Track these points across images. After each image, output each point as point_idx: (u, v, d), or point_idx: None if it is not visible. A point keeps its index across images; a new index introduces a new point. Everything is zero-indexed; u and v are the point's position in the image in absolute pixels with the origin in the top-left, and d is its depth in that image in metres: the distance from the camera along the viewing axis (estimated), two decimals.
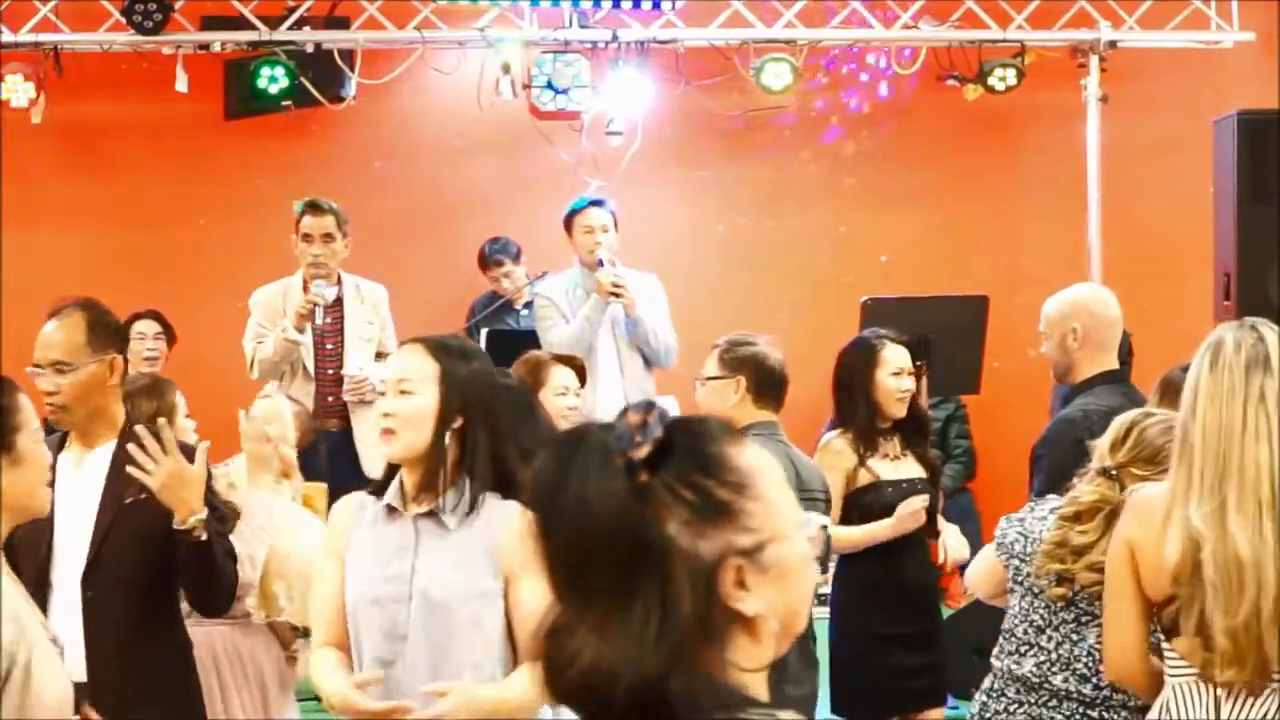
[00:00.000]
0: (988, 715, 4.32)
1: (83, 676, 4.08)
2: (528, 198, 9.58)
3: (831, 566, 5.77)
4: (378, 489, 3.72)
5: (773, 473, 1.85)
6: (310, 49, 9.06)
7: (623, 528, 1.77)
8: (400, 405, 3.58)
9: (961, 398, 9.27)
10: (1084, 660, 4.16)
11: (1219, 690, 3.47)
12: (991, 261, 9.76)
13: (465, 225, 9.82)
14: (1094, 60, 9.36)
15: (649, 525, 1.77)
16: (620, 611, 1.76)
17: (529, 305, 8.74)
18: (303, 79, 9.03)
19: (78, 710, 3.15)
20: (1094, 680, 4.15)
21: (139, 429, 4.14)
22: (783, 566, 1.82)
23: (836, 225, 10.12)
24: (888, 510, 5.58)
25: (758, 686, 1.81)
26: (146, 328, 8.51)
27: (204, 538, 4.14)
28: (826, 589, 5.82)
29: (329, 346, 7.74)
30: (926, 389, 7.15)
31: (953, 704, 6.20)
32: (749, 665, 1.80)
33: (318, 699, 7.57)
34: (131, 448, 4.11)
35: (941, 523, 5.83)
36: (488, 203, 9.83)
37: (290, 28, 9.00)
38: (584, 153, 9.59)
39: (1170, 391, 4.32)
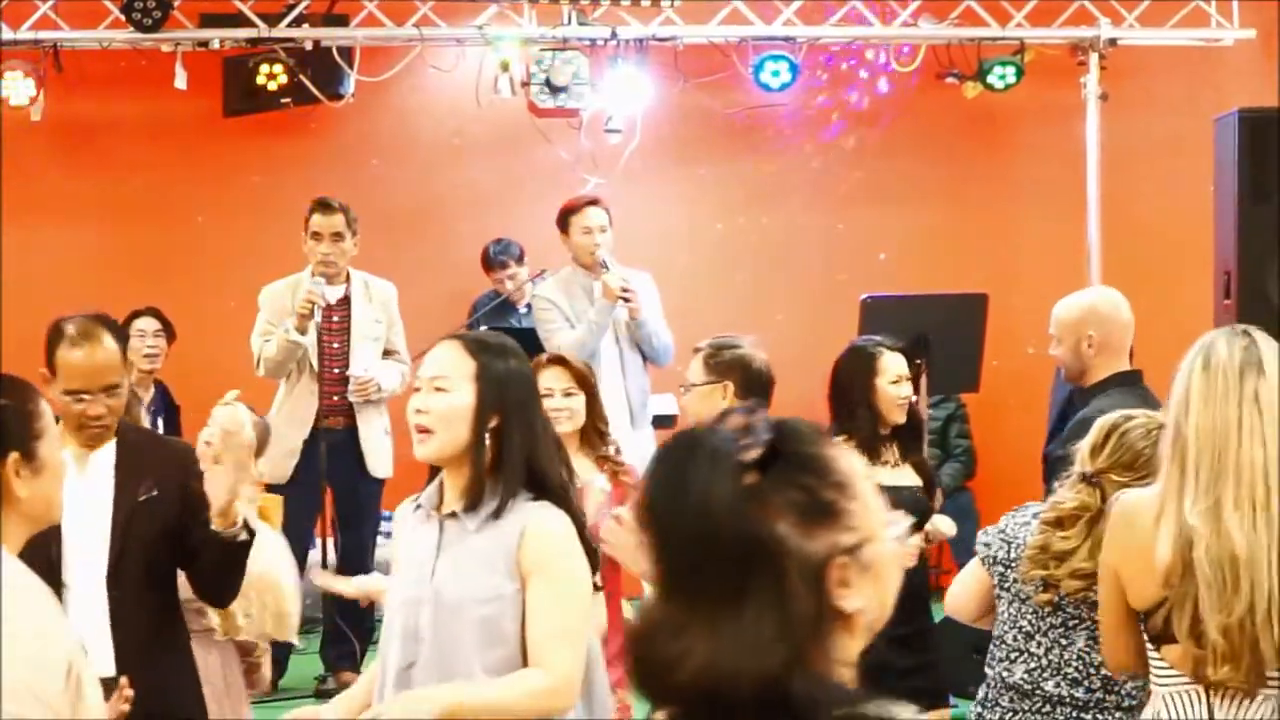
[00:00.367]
0: None
1: (111, 671, 4.15)
2: (526, 195, 9.57)
3: None
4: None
5: (864, 474, 1.93)
6: (309, 46, 9.06)
7: (738, 529, 1.83)
8: (434, 402, 3.50)
9: (961, 396, 9.27)
10: (1074, 664, 4.16)
11: (1212, 696, 3.47)
12: (991, 259, 9.76)
13: (463, 223, 9.82)
14: (1094, 58, 9.35)
15: (762, 526, 1.84)
16: (734, 612, 1.82)
17: (530, 305, 8.73)
18: (301, 76, 9.03)
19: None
20: (1085, 684, 4.15)
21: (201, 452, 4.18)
22: (879, 564, 1.89)
23: (835, 223, 10.11)
24: None
25: (852, 681, 1.89)
26: (146, 325, 8.50)
27: (243, 538, 4.20)
28: None
29: (335, 345, 7.74)
30: (926, 388, 7.15)
31: (953, 703, 6.20)
32: (846, 660, 1.88)
33: (309, 696, 7.60)
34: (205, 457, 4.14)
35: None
36: (486, 200, 9.83)
37: (289, 25, 8.99)
38: (583, 150, 9.59)
39: None
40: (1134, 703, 3.88)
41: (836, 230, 10.09)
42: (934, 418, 8.85)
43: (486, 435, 3.47)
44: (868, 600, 1.87)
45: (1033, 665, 4.22)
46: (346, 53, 9.15)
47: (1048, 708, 4.19)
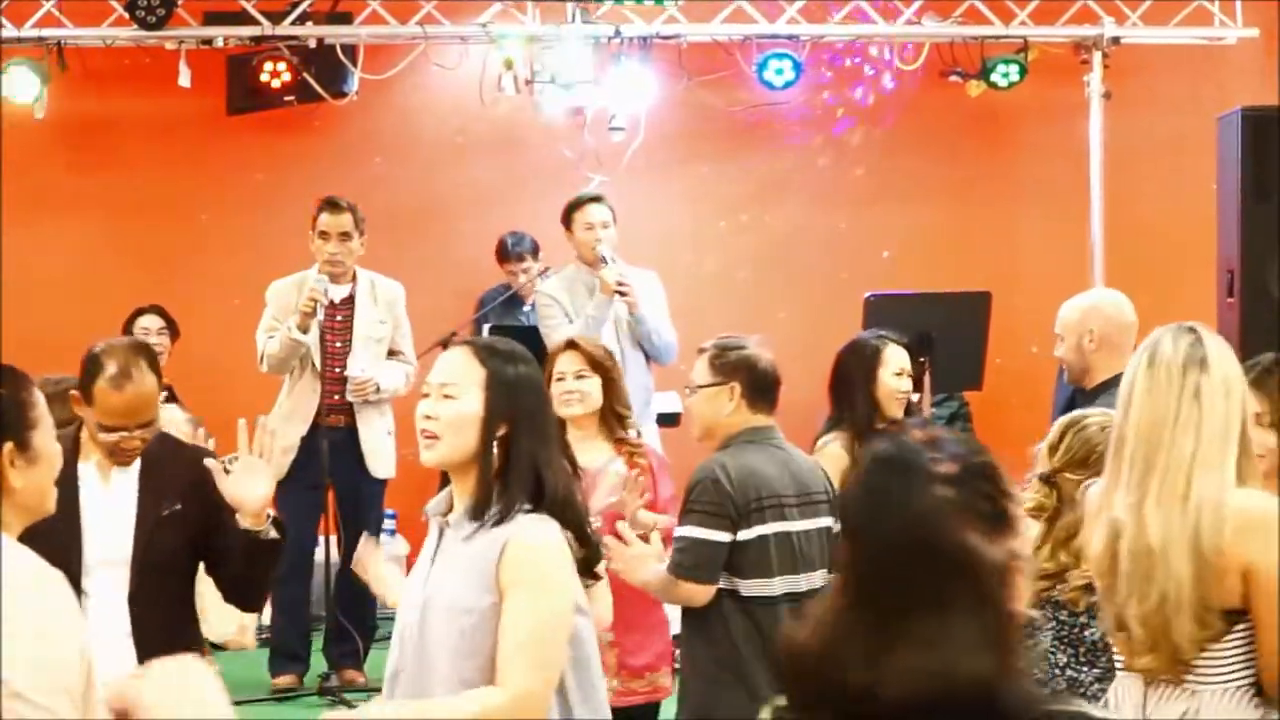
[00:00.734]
0: None
1: None
2: (530, 193, 9.57)
3: None
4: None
5: None
6: (313, 44, 9.06)
7: (940, 540, 1.94)
8: (443, 409, 3.46)
9: (964, 394, 9.27)
10: (1040, 666, 4.13)
11: (1148, 685, 3.51)
12: (994, 258, 9.76)
13: (467, 221, 9.82)
14: (1097, 56, 9.35)
15: (960, 536, 1.95)
16: (938, 621, 1.91)
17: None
18: (305, 74, 9.03)
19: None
20: (1050, 685, 4.11)
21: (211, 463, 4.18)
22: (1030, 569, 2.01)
23: (838, 221, 10.11)
24: None
25: None
26: (149, 323, 8.52)
27: (274, 535, 4.24)
28: None
29: (338, 344, 7.74)
30: (929, 386, 7.15)
31: None
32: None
33: (312, 694, 7.60)
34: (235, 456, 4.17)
35: None
36: (490, 198, 9.82)
37: (293, 23, 9.00)
38: (586, 148, 9.59)
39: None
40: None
41: (840, 228, 10.09)
42: (937, 416, 8.84)
43: (494, 443, 3.45)
44: (1024, 604, 2.00)
45: None
46: (350, 50, 9.16)
47: None
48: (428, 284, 9.06)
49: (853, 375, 5.71)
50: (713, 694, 4.81)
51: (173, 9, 8.72)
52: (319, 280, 7.61)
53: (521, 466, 3.44)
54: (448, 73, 9.38)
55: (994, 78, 9.38)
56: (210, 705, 2.54)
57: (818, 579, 4.88)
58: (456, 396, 3.46)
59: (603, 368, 5.44)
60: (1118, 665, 3.62)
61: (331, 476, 7.67)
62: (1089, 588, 3.92)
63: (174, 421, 5.04)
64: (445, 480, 3.62)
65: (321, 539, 7.80)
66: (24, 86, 8.88)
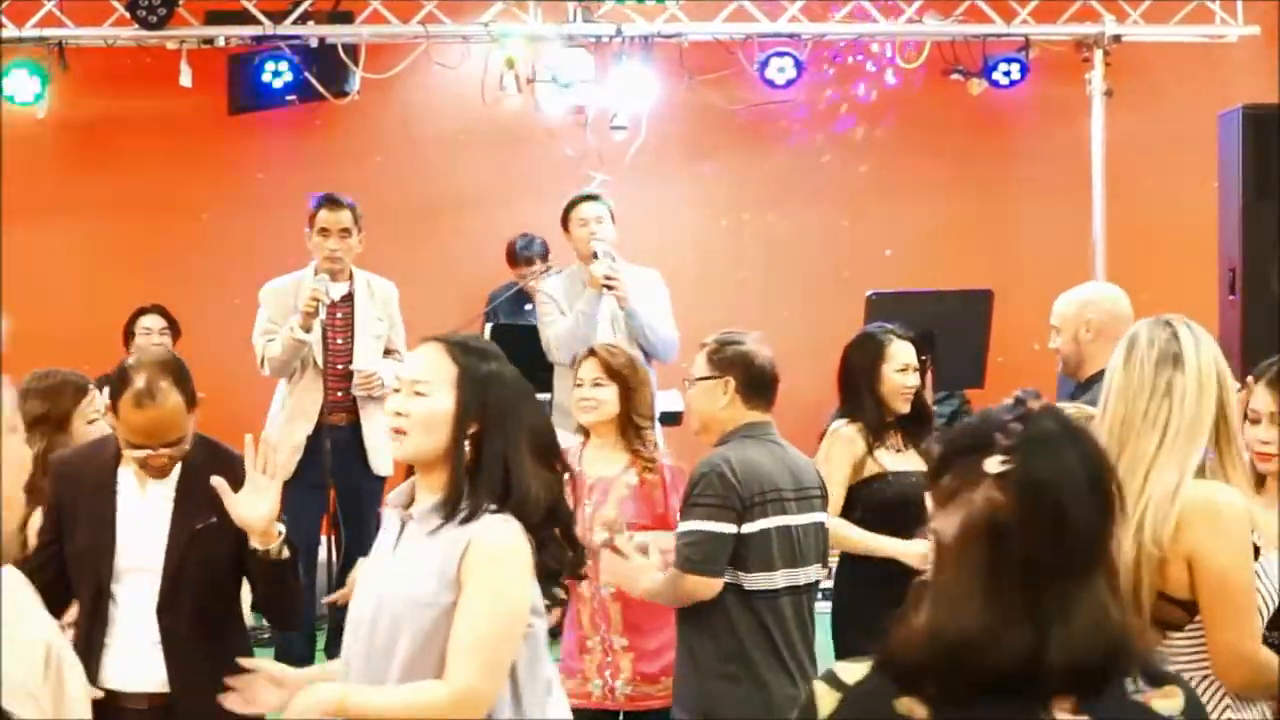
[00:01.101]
0: None
1: (162, 688, 4.30)
2: (532, 193, 9.57)
3: (833, 562, 5.76)
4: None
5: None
6: (314, 44, 9.06)
7: (1104, 508, 2.02)
8: (412, 406, 3.45)
9: (966, 392, 9.27)
10: None
11: None
12: (996, 256, 9.76)
13: (469, 220, 9.82)
14: (1098, 54, 9.36)
15: (1111, 504, 2.04)
16: (1086, 590, 1.97)
17: None
18: (306, 74, 9.04)
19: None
20: None
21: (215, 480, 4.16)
22: None
23: (841, 219, 10.11)
24: (890, 503, 5.57)
25: None
26: (151, 323, 8.52)
27: (285, 555, 4.20)
28: (828, 583, 5.81)
29: (339, 342, 7.74)
30: (932, 383, 7.16)
31: None
32: None
33: None
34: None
35: None
36: (492, 198, 9.83)
37: (294, 22, 9.00)
38: (588, 147, 9.60)
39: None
40: None
41: (842, 227, 10.09)
42: (939, 414, 8.83)
43: (465, 441, 3.43)
44: None
45: None
46: (352, 50, 9.16)
47: None
48: (429, 283, 9.07)
49: (858, 372, 5.73)
50: (717, 688, 4.83)
51: (174, 9, 8.72)
52: (319, 279, 7.61)
53: (491, 465, 3.42)
54: (449, 72, 9.38)
55: (995, 76, 9.39)
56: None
57: (813, 572, 4.97)
58: (428, 394, 3.44)
59: (620, 376, 5.43)
60: None
61: (333, 475, 7.67)
62: None
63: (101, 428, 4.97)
64: (411, 471, 3.62)
65: (324, 539, 7.81)
66: (25, 86, 8.90)
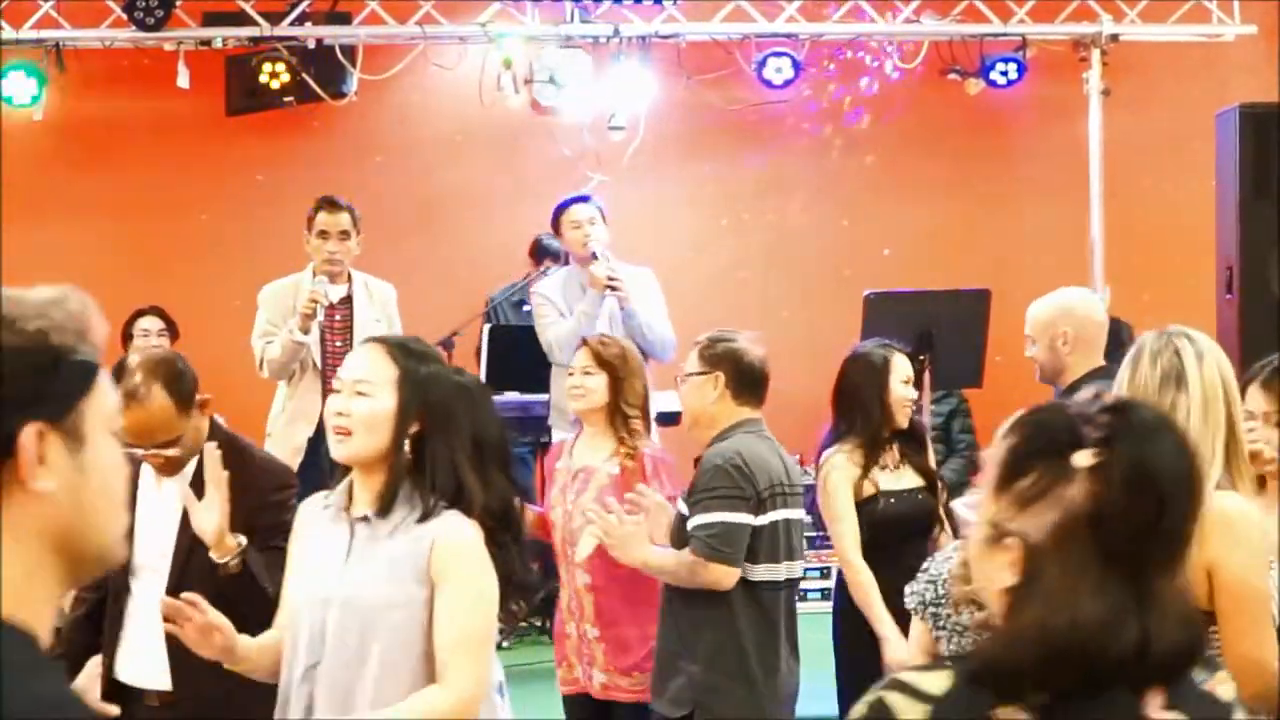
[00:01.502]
0: None
1: (168, 686, 4.31)
2: (530, 193, 9.57)
3: (833, 562, 5.76)
4: (334, 488, 3.67)
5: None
6: (311, 45, 9.06)
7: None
8: (356, 406, 3.49)
9: (963, 392, 9.27)
10: None
11: None
12: (993, 255, 9.76)
13: (467, 221, 9.82)
14: (1096, 54, 9.36)
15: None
16: (1170, 580, 1.98)
17: None
18: (304, 75, 9.03)
19: None
20: None
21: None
22: None
23: (839, 219, 10.12)
24: (886, 521, 5.57)
25: None
26: (149, 324, 8.52)
27: (232, 569, 4.16)
28: (827, 584, 5.81)
29: (338, 344, 7.73)
30: (929, 383, 7.16)
31: None
32: None
33: None
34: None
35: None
36: (489, 198, 9.83)
37: (292, 23, 9.00)
38: (586, 148, 9.60)
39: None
40: None
41: (841, 226, 10.10)
42: (937, 413, 8.85)
43: (405, 441, 3.47)
44: None
45: None
46: (349, 51, 9.16)
47: None
48: (427, 284, 9.06)
49: (863, 386, 5.68)
50: (711, 680, 4.86)
51: (171, 10, 8.73)
52: (318, 282, 7.61)
53: (438, 465, 3.46)
54: (447, 73, 9.39)
55: (993, 76, 9.39)
56: None
57: (800, 567, 5.09)
58: (370, 394, 3.49)
59: (610, 366, 5.48)
60: None
61: (331, 478, 7.66)
62: None
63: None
64: (344, 472, 3.63)
65: None
66: (22, 88, 8.89)
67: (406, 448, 3.48)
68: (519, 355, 8.18)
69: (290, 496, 4.51)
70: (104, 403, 1.82)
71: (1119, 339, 8.94)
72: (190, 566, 4.30)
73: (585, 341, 5.63)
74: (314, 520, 3.68)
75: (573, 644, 5.43)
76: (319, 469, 7.48)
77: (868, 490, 5.60)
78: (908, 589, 4.27)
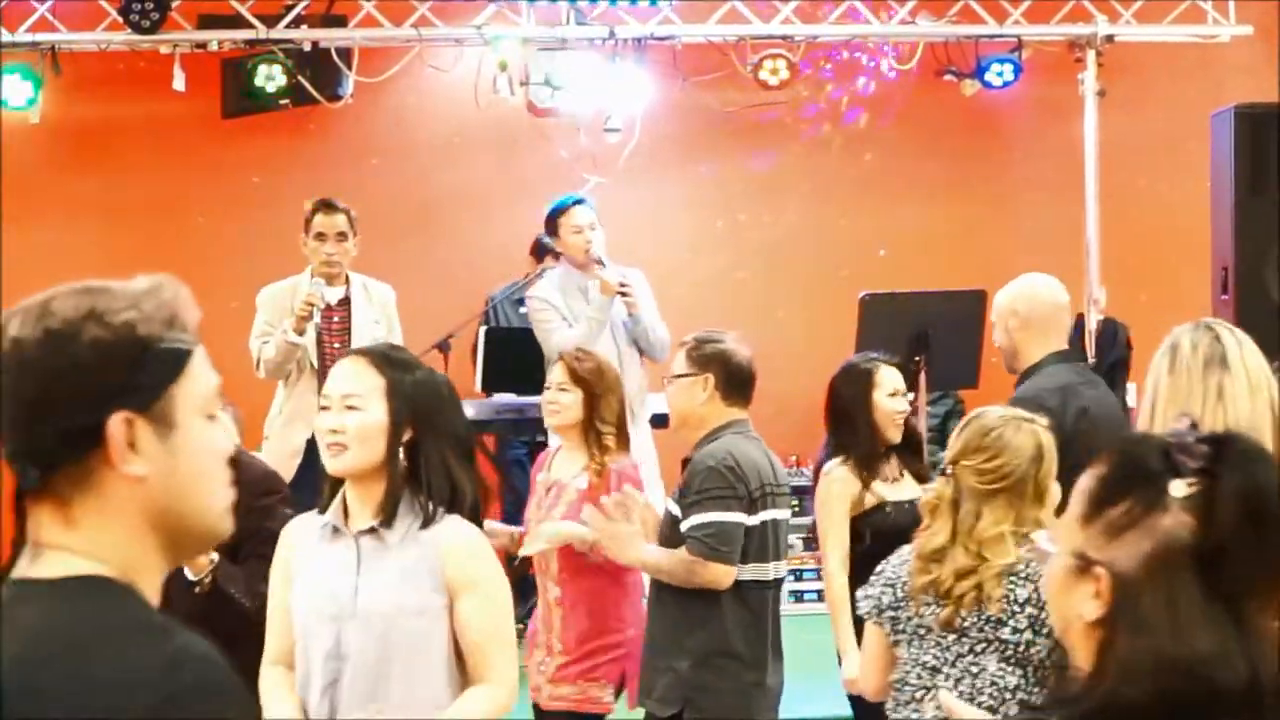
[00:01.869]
0: None
1: None
2: (526, 195, 9.56)
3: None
4: (324, 506, 3.67)
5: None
6: (307, 47, 9.06)
7: None
8: (348, 420, 3.51)
9: (959, 393, 9.28)
10: (988, 691, 3.93)
11: None
12: (989, 256, 9.75)
13: (463, 223, 9.82)
14: (1091, 55, 9.36)
15: None
16: (1265, 613, 1.94)
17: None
18: (300, 77, 9.03)
19: None
20: (1003, 709, 3.91)
21: None
22: None
23: (835, 220, 10.12)
24: (891, 531, 5.55)
25: None
26: None
27: (199, 588, 4.20)
28: (801, 584, 5.81)
29: (336, 346, 7.73)
30: (925, 384, 7.16)
31: None
32: None
33: None
34: None
35: None
36: (485, 200, 9.83)
37: (287, 26, 9.00)
38: (582, 150, 9.60)
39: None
40: None
41: (837, 227, 10.10)
42: (933, 414, 8.85)
43: (401, 450, 3.51)
44: None
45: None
46: (345, 53, 9.16)
47: None
48: (423, 286, 9.06)
49: (848, 402, 5.66)
50: (701, 679, 4.87)
51: (166, 13, 8.72)
52: (315, 284, 7.61)
53: (434, 471, 3.49)
54: (442, 75, 9.39)
55: (988, 77, 9.40)
56: None
57: (784, 567, 5.15)
58: (361, 407, 3.52)
59: (585, 383, 5.47)
60: None
61: (319, 493, 7.65)
62: (1003, 573, 3.85)
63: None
64: (333, 487, 3.63)
65: None
66: (18, 91, 8.89)
67: (402, 456, 3.51)
68: (515, 357, 8.19)
69: (275, 502, 4.49)
70: (197, 387, 1.91)
71: (1115, 338, 8.99)
72: (170, 587, 4.27)
73: (561, 357, 5.62)
74: (308, 539, 3.67)
75: (540, 654, 5.42)
76: (317, 470, 7.53)
77: (870, 502, 5.56)
78: (860, 593, 4.22)
